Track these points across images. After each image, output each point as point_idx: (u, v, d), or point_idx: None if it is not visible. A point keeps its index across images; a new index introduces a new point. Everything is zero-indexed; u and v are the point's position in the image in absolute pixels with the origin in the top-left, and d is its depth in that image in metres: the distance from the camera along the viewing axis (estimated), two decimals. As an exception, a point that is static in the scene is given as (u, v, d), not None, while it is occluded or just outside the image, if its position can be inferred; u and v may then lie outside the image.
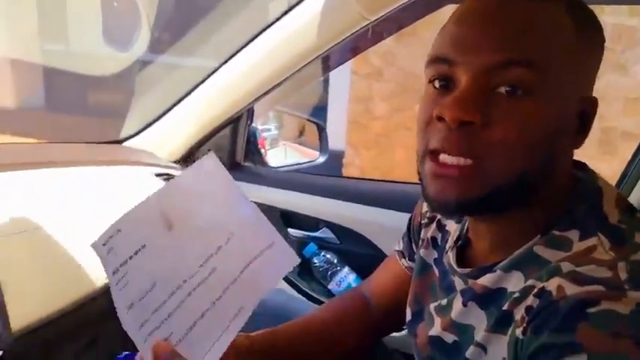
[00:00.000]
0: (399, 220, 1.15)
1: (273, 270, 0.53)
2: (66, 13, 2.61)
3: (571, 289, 0.41)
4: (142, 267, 0.53)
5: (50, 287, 0.76)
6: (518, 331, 0.44)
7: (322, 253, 1.22)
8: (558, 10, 0.46)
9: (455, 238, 0.59)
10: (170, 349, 0.47)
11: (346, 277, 1.18)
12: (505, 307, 0.47)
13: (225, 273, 0.52)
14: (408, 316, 0.64)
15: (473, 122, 0.44)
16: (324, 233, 1.23)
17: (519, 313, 0.45)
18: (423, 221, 0.67)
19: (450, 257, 0.57)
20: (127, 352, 0.58)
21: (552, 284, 0.42)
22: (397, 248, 0.74)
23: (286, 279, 1.25)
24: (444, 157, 0.46)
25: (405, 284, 0.69)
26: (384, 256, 1.13)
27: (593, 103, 0.49)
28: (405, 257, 0.72)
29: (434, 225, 0.64)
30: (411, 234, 0.71)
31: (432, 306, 0.60)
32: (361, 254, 1.18)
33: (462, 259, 0.56)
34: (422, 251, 0.65)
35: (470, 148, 0.44)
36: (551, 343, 0.40)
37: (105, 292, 0.81)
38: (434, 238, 0.64)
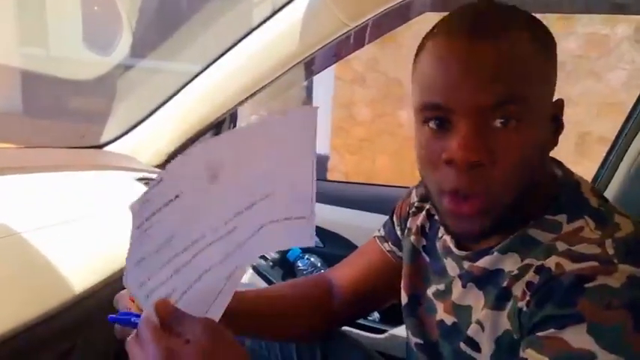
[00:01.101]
0: (381, 223, 1.16)
1: (284, 239, 0.51)
2: (46, 17, 2.58)
3: (569, 266, 0.46)
4: (166, 219, 0.49)
5: (27, 294, 0.75)
6: (521, 304, 0.49)
7: (306, 257, 1.22)
8: (522, 39, 0.49)
9: None
10: (171, 305, 0.47)
11: (329, 280, 1.18)
12: (504, 285, 0.51)
13: (243, 232, 0.50)
14: (404, 300, 0.68)
15: (482, 163, 0.48)
16: (307, 237, 1.23)
17: (519, 289, 0.50)
18: (411, 210, 0.71)
19: (448, 240, 0.61)
20: (124, 312, 0.55)
21: (551, 262, 0.47)
22: (377, 234, 0.78)
23: (269, 282, 1.25)
24: (459, 196, 0.50)
25: (386, 267, 0.73)
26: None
27: (560, 104, 0.55)
28: (387, 241, 0.75)
29: (422, 214, 0.68)
30: (397, 220, 0.74)
31: (429, 292, 0.64)
32: (345, 257, 1.19)
33: (459, 244, 0.60)
34: (412, 238, 0.68)
35: (482, 185, 0.49)
36: (555, 314, 0.45)
37: (83, 299, 0.80)
38: (422, 227, 0.68)
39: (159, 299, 0.47)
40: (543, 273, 0.48)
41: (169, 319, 0.46)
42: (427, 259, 0.66)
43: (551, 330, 0.44)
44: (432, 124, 0.51)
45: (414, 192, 0.73)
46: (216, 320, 0.50)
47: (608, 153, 1.21)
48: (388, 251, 0.75)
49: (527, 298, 0.48)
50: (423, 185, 0.57)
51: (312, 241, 0.51)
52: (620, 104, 2.83)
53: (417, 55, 0.54)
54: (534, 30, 0.51)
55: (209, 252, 0.50)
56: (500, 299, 0.52)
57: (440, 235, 0.64)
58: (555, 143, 0.55)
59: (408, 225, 0.70)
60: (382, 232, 0.77)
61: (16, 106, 2.60)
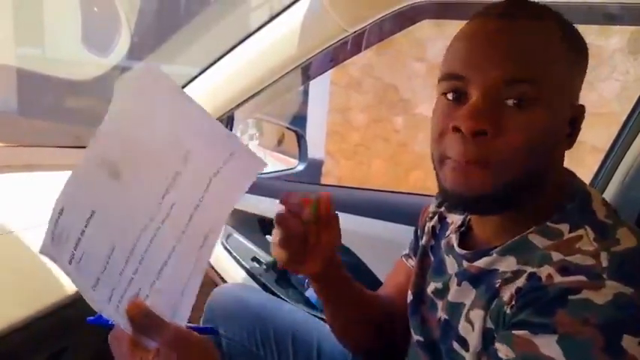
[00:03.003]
0: (377, 227, 1.17)
1: (237, 182, 0.48)
2: (43, 17, 2.57)
3: (558, 279, 0.46)
4: (97, 235, 0.48)
5: (19, 294, 0.74)
6: (506, 307, 0.50)
7: (300, 261, 1.22)
8: (551, 30, 0.52)
9: (458, 224, 0.64)
10: (143, 309, 0.47)
11: (323, 284, 1.18)
12: (496, 287, 0.52)
13: (188, 200, 0.47)
14: (409, 298, 0.69)
15: (486, 132, 0.49)
16: (301, 241, 1.23)
17: (508, 292, 0.50)
18: (428, 217, 0.73)
19: (452, 239, 0.62)
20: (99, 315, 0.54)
21: (543, 272, 0.48)
22: (404, 252, 0.79)
23: (263, 286, 1.25)
24: (461, 161, 0.51)
25: None
26: (362, 264, 1.15)
27: (581, 110, 0.55)
28: (411, 257, 0.77)
29: (436, 217, 0.70)
30: (420, 232, 0.75)
31: (428, 290, 0.65)
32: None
33: (462, 244, 0.61)
34: (424, 239, 0.70)
35: (483, 156, 0.50)
36: (530, 320, 0.46)
37: (75, 300, 0.79)
38: (434, 228, 0.70)
39: (130, 302, 0.47)
40: (533, 280, 0.48)
41: (141, 324, 0.47)
42: (432, 258, 0.68)
43: (525, 332, 0.45)
44: (449, 96, 0.53)
45: (433, 200, 0.75)
46: (189, 309, 0.48)
47: (604, 162, 1.22)
48: (413, 266, 0.76)
49: (513, 302, 0.49)
50: (430, 152, 0.57)
51: (263, 162, 0.47)
52: (613, 115, 2.86)
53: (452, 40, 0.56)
54: (565, 28, 0.53)
55: (160, 237, 0.47)
56: (489, 300, 0.53)
57: (447, 233, 0.66)
58: (569, 146, 0.55)
59: (425, 229, 0.72)
60: (407, 250, 0.78)
61: (12, 106, 2.59)
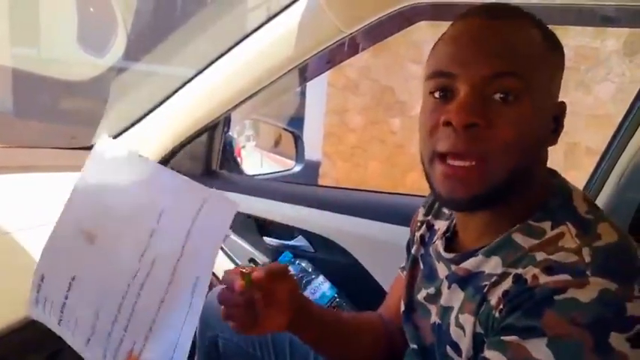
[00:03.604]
0: (373, 228, 1.17)
1: (215, 226, 0.50)
2: (39, 17, 2.56)
3: (543, 279, 0.47)
4: (82, 297, 0.50)
5: (14, 295, 0.74)
6: (495, 311, 0.50)
7: (297, 262, 1.22)
8: (532, 29, 0.54)
9: (444, 230, 0.65)
10: None
11: (321, 285, 1.18)
12: (483, 291, 0.52)
13: (168, 253, 0.49)
14: (402, 307, 0.69)
15: (478, 124, 0.50)
16: (299, 242, 1.23)
17: (495, 296, 0.51)
18: (416, 227, 0.73)
19: (438, 245, 0.63)
20: None
21: (528, 273, 0.48)
22: (401, 266, 0.78)
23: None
24: (452, 161, 0.52)
25: None
26: (359, 265, 1.15)
27: (562, 107, 0.57)
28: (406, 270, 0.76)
29: (424, 226, 0.71)
30: (409, 245, 0.75)
31: (420, 297, 0.65)
32: (336, 263, 1.19)
33: (449, 249, 0.62)
34: (414, 248, 0.70)
35: (475, 148, 0.51)
36: (518, 325, 0.46)
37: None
38: (422, 237, 0.70)
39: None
40: (519, 283, 0.49)
41: None
42: (421, 266, 0.68)
43: (515, 337, 0.46)
44: (436, 94, 0.54)
45: (420, 210, 0.75)
46: (186, 354, 0.49)
47: (599, 163, 1.23)
48: None
49: (501, 306, 0.49)
50: (419, 151, 0.57)
51: (235, 204, 0.50)
52: (608, 116, 2.88)
53: (436, 42, 0.58)
54: (543, 29, 0.55)
55: (147, 291, 0.49)
56: (479, 305, 0.53)
57: (434, 240, 0.66)
58: (554, 142, 0.56)
59: (414, 239, 0.72)
60: (403, 263, 0.78)
61: (7, 107, 2.58)
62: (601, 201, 1.18)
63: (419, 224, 0.72)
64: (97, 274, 0.51)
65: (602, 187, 1.19)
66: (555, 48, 0.56)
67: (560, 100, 0.57)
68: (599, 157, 1.24)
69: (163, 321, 0.49)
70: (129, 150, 0.51)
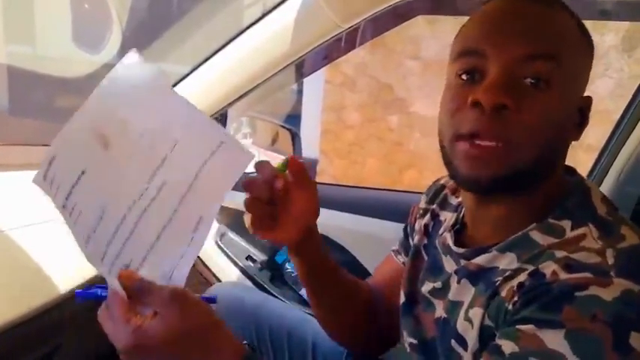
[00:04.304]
0: (371, 226, 1.16)
1: (227, 171, 0.49)
2: (33, 14, 2.54)
3: (563, 275, 0.45)
4: (88, 194, 0.49)
5: (11, 293, 0.73)
6: (507, 303, 0.49)
7: (294, 259, 1.21)
8: (567, 15, 0.53)
9: (452, 222, 0.63)
10: (135, 278, 0.47)
11: (318, 283, 1.18)
12: (496, 285, 0.51)
13: (177, 184, 0.49)
14: (402, 299, 0.68)
15: (507, 106, 0.48)
16: (296, 239, 1.22)
17: (507, 288, 0.49)
18: (418, 214, 0.72)
19: (447, 237, 0.61)
20: (89, 287, 0.54)
21: (547, 268, 0.47)
22: (393, 248, 0.78)
23: (258, 284, 1.24)
24: (477, 140, 0.49)
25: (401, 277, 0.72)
26: (357, 262, 1.14)
27: (588, 101, 0.55)
28: (401, 254, 0.76)
29: (428, 215, 0.69)
30: (409, 228, 0.74)
31: (424, 289, 0.64)
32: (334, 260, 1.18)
33: (458, 242, 0.60)
34: (416, 238, 0.69)
35: (503, 131, 0.49)
36: (535, 317, 0.45)
37: (67, 300, 0.78)
38: (426, 226, 0.68)
39: (121, 270, 0.47)
40: (536, 277, 0.47)
41: (135, 289, 0.47)
42: (425, 257, 0.67)
43: (531, 326, 0.44)
44: (464, 76, 0.52)
45: (423, 197, 0.74)
46: (182, 283, 0.49)
47: (598, 159, 1.23)
48: (402, 262, 0.75)
49: (515, 298, 0.48)
50: (438, 132, 0.55)
51: (251, 154, 0.49)
52: (606, 112, 2.87)
53: (466, 22, 0.56)
54: (578, 20, 0.54)
55: (151, 213, 0.48)
56: (489, 298, 0.52)
57: (441, 232, 0.64)
58: (577, 136, 0.55)
59: (415, 228, 0.71)
60: (397, 246, 0.78)
61: (2, 104, 2.56)
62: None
63: (421, 211, 0.71)
64: (107, 178, 0.50)
65: (602, 182, 1.18)
66: (589, 38, 0.54)
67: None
68: (599, 152, 1.24)
69: (163, 247, 0.49)
70: (158, 71, 0.49)
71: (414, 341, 0.65)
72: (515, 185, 0.51)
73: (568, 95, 0.51)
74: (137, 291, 0.46)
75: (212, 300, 0.55)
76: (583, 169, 1.31)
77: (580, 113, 0.54)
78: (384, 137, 3.87)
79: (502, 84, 0.48)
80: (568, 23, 0.52)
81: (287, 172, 0.61)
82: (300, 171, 0.60)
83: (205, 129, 0.49)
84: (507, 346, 0.45)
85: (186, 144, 0.49)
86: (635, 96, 1.16)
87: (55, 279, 0.78)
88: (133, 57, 0.50)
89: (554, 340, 0.43)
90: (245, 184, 0.59)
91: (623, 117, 1.18)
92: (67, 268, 0.79)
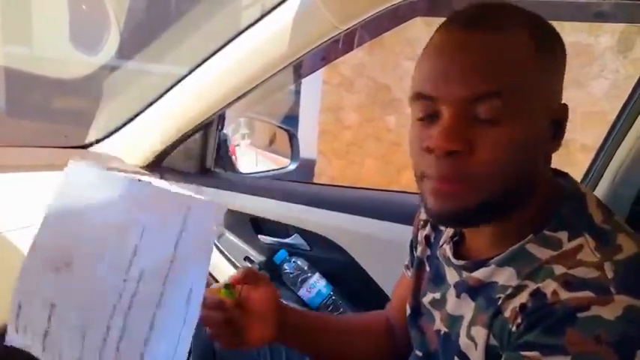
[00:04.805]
0: (369, 226, 1.16)
1: (203, 232, 0.49)
2: (31, 15, 2.54)
3: (564, 295, 0.45)
4: (64, 325, 0.49)
5: (7, 295, 0.73)
6: (511, 325, 0.49)
7: (293, 260, 1.22)
8: (518, 37, 0.49)
9: (451, 234, 0.63)
10: None
11: (316, 283, 1.18)
12: (497, 303, 0.51)
13: (156, 268, 0.48)
14: (408, 311, 0.68)
15: (458, 151, 0.48)
16: (294, 240, 1.23)
17: (509, 309, 0.50)
18: (419, 225, 0.71)
19: (447, 249, 0.61)
20: None
21: (547, 287, 0.46)
22: (405, 263, 0.77)
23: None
24: (440, 183, 0.50)
25: None
26: (355, 263, 1.14)
27: (563, 109, 0.53)
28: (409, 269, 0.75)
29: (428, 225, 0.69)
30: (413, 244, 0.74)
31: (425, 301, 0.64)
32: (332, 260, 1.18)
33: (457, 253, 0.60)
34: (419, 249, 0.69)
35: (458, 174, 0.49)
36: (540, 342, 0.44)
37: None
38: (428, 237, 0.68)
39: None
40: (538, 297, 0.47)
41: None
42: (428, 268, 0.66)
43: (536, 353, 0.44)
44: (421, 116, 0.52)
45: (422, 208, 0.74)
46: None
47: (594, 161, 1.23)
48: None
49: (519, 320, 0.48)
50: (413, 171, 0.56)
51: (222, 206, 0.49)
52: (602, 113, 2.89)
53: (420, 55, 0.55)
54: (535, 29, 0.50)
55: (136, 309, 0.48)
56: (492, 317, 0.51)
57: (441, 243, 0.64)
58: (555, 148, 0.53)
59: (418, 239, 0.71)
60: (406, 261, 0.77)
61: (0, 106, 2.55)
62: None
63: (422, 223, 0.71)
64: (78, 298, 0.50)
65: (598, 183, 1.19)
66: (550, 49, 0.51)
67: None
68: (595, 153, 1.25)
69: (158, 336, 0.49)
70: (100, 169, 0.50)
71: (420, 354, 0.65)
72: (487, 217, 0.52)
73: (530, 119, 0.49)
74: None
75: None
76: (579, 169, 1.32)
77: (554, 125, 0.52)
78: (382, 137, 3.87)
79: (451, 129, 0.48)
80: (521, 45, 0.49)
81: (236, 288, 0.61)
82: (248, 278, 0.61)
83: (167, 201, 0.49)
84: None
85: (154, 225, 0.49)
86: (630, 97, 1.16)
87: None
88: (74, 164, 0.50)
89: None
90: (203, 322, 0.59)
91: (618, 118, 1.18)
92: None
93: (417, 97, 0.52)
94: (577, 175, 1.32)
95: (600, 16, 0.97)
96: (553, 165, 0.57)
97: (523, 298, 0.48)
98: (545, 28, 0.52)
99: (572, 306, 0.44)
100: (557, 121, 0.52)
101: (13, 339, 0.50)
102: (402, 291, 0.75)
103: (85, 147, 1.23)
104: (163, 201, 0.50)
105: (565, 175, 0.57)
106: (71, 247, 0.50)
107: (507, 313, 0.49)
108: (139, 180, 0.49)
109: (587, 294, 0.44)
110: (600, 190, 1.17)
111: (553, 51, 0.52)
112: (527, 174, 0.51)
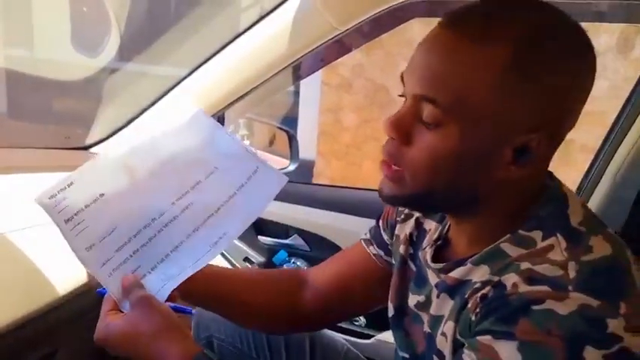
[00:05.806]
0: (368, 227, 1.17)
1: (260, 194, 0.56)
2: (32, 18, 2.54)
3: (523, 288, 0.46)
4: (101, 213, 0.54)
5: (11, 295, 0.73)
6: (471, 314, 0.51)
7: (292, 260, 1.22)
8: (497, 51, 0.46)
9: (435, 237, 0.63)
10: (135, 280, 0.54)
11: (316, 284, 1.18)
12: (466, 297, 0.52)
13: (205, 206, 0.55)
14: (391, 311, 0.68)
15: (396, 139, 0.52)
16: (294, 240, 1.23)
17: (473, 300, 0.51)
18: (398, 218, 0.71)
19: (427, 253, 0.61)
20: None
21: (509, 280, 0.48)
22: (363, 237, 0.77)
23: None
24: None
25: (368, 271, 0.73)
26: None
27: (538, 140, 0.48)
28: (372, 245, 0.75)
29: (412, 222, 0.68)
30: (384, 224, 0.74)
31: (410, 302, 0.64)
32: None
33: (439, 257, 0.61)
34: (401, 247, 0.68)
35: (392, 159, 0.53)
36: (493, 328, 0.46)
37: (67, 301, 0.79)
38: (411, 235, 0.68)
39: (125, 275, 0.54)
40: (498, 289, 0.48)
41: (124, 289, 0.54)
42: (413, 268, 0.66)
43: (488, 337, 0.46)
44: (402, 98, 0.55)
45: None
46: (168, 293, 0.54)
47: (594, 161, 1.23)
48: (374, 254, 0.75)
49: (478, 310, 0.49)
50: None
51: (284, 178, 0.56)
52: (602, 113, 2.89)
53: None
54: (524, 49, 0.46)
55: (167, 233, 0.54)
56: (459, 311, 0.53)
57: (424, 245, 0.64)
58: (514, 173, 0.49)
59: (396, 232, 0.70)
60: (368, 236, 0.77)
61: (1, 107, 2.56)
62: (596, 199, 1.18)
63: (403, 217, 0.69)
64: (125, 202, 0.55)
65: (597, 184, 1.19)
66: (534, 75, 0.46)
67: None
68: (594, 154, 1.25)
69: (174, 259, 0.54)
70: (211, 121, 0.57)
71: (406, 355, 0.65)
72: (420, 207, 0.59)
73: (472, 136, 0.47)
74: (124, 291, 0.54)
75: (182, 310, 0.61)
76: (578, 169, 1.32)
77: (517, 153, 0.48)
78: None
79: (397, 118, 0.52)
80: (488, 58, 0.46)
81: None
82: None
83: (242, 156, 0.56)
84: (468, 358, 0.47)
85: (224, 172, 0.56)
86: (630, 97, 1.16)
87: (54, 281, 0.78)
88: (200, 114, 0.58)
89: (508, 351, 0.44)
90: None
91: (618, 118, 1.18)
92: (65, 270, 0.79)
93: (401, 78, 0.55)
94: (577, 175, 1.33)
95: (600, 16, 0.98)
96: (554, 165, 0.56)
97: (485, 290, 0.50)
98: (538, 51, 0.46)
99: (528, 298, 0.45)
100: (523, 149, 0.48)
101: (42, 201, 0.53)
102: (349, 263, 0.76)
103: (86, 148, 1.24)
104: (238, 155, 0.57)
105: (551, 176, 0.56)
106: (141, 162, 0.56)
107: (470, 305, 0.51)
108: (233, 137, 0.57)
109: (544, 288, 0.45)
110: (600, 191, 1.18)
111: (535, 77, 0.46)
112: (453, 184, 0.51)
